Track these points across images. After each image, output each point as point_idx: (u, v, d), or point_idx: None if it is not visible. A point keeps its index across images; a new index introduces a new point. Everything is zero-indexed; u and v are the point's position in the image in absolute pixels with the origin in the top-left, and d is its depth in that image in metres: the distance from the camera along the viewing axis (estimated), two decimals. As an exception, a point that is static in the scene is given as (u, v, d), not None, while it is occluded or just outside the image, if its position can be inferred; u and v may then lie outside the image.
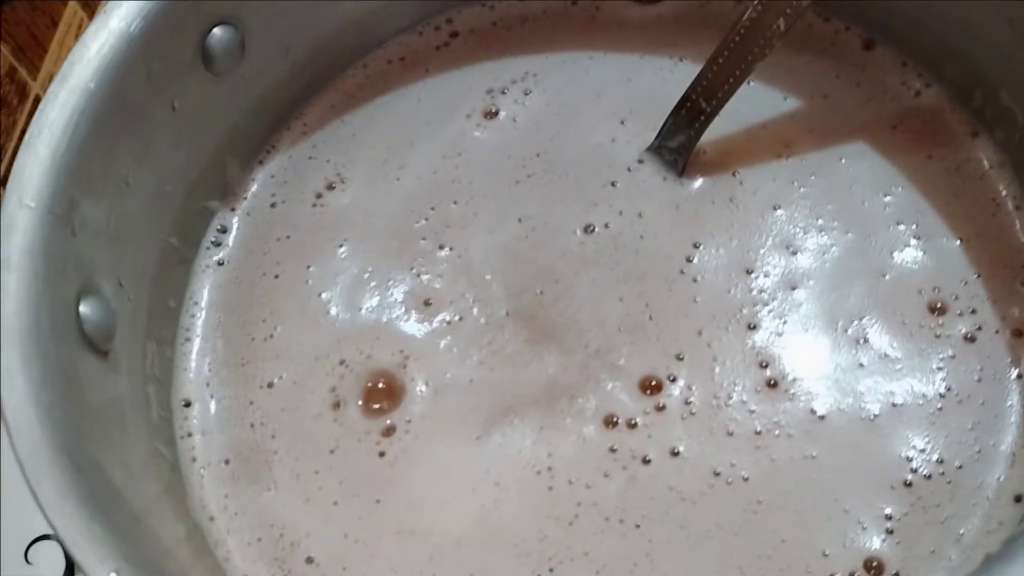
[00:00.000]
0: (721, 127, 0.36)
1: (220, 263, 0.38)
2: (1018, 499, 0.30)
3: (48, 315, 0.29)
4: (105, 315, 0.32)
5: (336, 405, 0.35)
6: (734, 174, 0.36)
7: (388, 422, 0.34)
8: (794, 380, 0.32)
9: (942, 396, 0.31)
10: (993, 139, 0.35)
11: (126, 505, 0.27)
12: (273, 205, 0.39)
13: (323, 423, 0.34)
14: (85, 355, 0.30)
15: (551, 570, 0.31)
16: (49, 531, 0.38)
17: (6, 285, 0.28)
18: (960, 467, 0.30)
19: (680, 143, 0.36)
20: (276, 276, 0.37)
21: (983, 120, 0.35)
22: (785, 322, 0.33)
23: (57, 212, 0.30)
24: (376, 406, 0.34)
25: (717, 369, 0.33)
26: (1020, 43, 0.32)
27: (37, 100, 0.47)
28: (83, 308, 0.31)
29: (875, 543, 0.30)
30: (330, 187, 0.39)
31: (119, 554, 0.24)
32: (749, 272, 0.34)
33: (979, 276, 0.33)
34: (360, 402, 0.35)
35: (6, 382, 0.27)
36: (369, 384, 0.35)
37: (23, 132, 0.46)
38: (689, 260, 0.35)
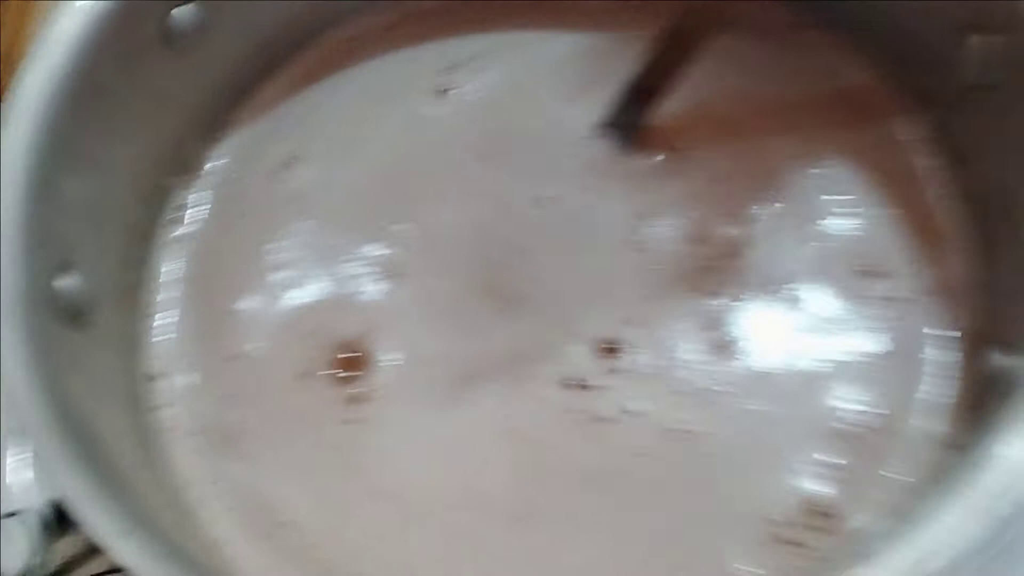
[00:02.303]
0: (667, 105, 0.38)
1: (182, 238, 0.39)
2: (944, 444, 0.32)
3: (30, 291, 0.30)
4: (79, 290, 0.32)
5: (304, 375, 0.36)
6: (680, 150, 0.38)
7: (356, 390, 0.36)
8: (738, 341, 0.35)
9: (872, 352, 0.34)
10: (914, 116, 0.38)
11: (118, 470, 0.28)
12: (232, 182, 0.40)
13: (292, 393, 0.36)
14: (63, 330, 0.31)
15: (522, 528, 0.33)
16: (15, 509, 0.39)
17: (-10, 261, 0.29)
18: (891, 415, 0.33)
19: (629, 120, 0.38)
20: (238, 251, 0.39)
21: (907, 98, 0.38)
22: (728, 287, 0.36)
23: (36, 189, 0.31)
24: (344, 374, 0.36)
25: (666, 333, 0.35)
26: (937, 25, 0.35)
27: None
28: (59, 283, 0.32)
29: (816, 488, 0.32)
30: (289, 164, 0.40)
31: (122, 512, 0.26)
32: (695, 242, 0.37)
33: (902, 242, 0.36)
34: (328, 371, 0.36)
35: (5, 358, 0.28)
36: (337, 354, 0.36)
37: None
38: (639, 231, 0.37)
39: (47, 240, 0.31)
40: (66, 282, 0.32)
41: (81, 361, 0.32)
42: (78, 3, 0.33)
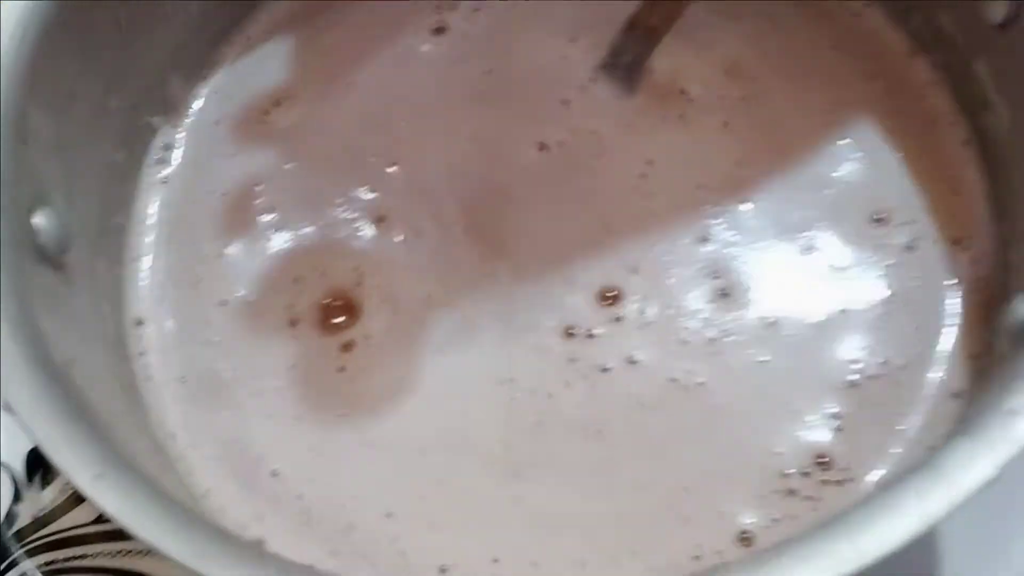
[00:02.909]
0: (670, 45, 0.37)
1: (166, 180, 0.37)
2: (956, 395, 0.31)
3: (6, 226, 0.28)
4: (58, 228, 0.31)
5: (293, 322, 0.35)
6: (684, 92, 0.37)
7: (347, 338, 0.34)
8: (746, 289, 0.33)
9: (886, 302, 0.33)
10: (930, 59, 0.36)
11: (97, 416, 0.27)
12: (218, 122, 0.38)
13: (281, 340, 0.34)
14: (42, 268, 0.30)
15: (515, 476, 0.31)
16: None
17: (-40, 194, 0.28)
18: (903, 367, 0.32)
19: (631, 61, 0.37)
20: (224, 193, 0.37)
21: (921, 41, 0.36)
22: (736, 234, 0.34)
23: (10, 120, 0.29)
24: (334, 321, 0.34)
25: (672, 280, 0.34)
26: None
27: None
28: (36, 219, 0.30)
29: (824, 440, 0.31)
30: (276, 103, 0.38)
31: (100, 457, 0.24)
32: (700, 187, 0.35)
33: (918, 188, 0.34)
34: (317, 318, 0.35)
35: (-29, 294, 0.26)
36: (326, 301, 0.35)
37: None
38: (643, 176, 0.35)
39: (22, 174, 0.29)
40: (43, 219, 0.30)
41: (61, 303, 0.31)
42: (56, -74, 0.31)
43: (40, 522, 0.38)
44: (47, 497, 0.38)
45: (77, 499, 0.38)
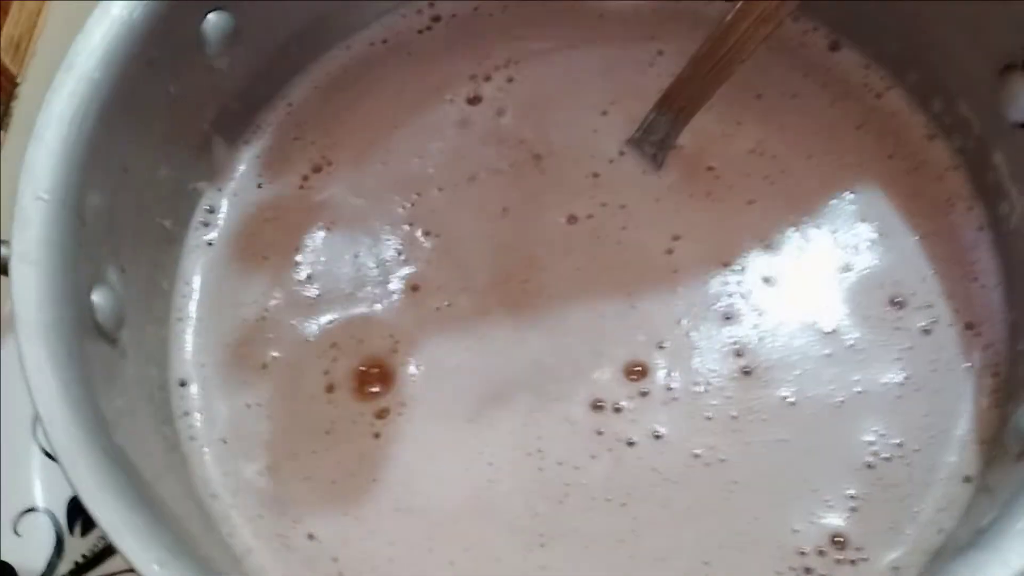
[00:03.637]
0: (697, 123, 0.38)
1: (210, 243, 0.39)
2: (967, 479, 0.33)
3: (66, 307, 0.29)
4: (113, 303, 0.32)
5: (330, 388, 0.36)
6: (711, 169, 0.38)
7: (381, 405, 0.35)
8: (767, 368, 0.35)
9: (901, 384, 0.34)
10: (950, 143, 0.37)
11: (149, 488, 0.28)
12: (260, 186, 0.40)
13: (317, 405, 0.36)
14: (99, 344, 0.31)
15: (542, 545, 0.33)
16: (37, 505, 0.39)
17: (25, 279, 0.29)
18: (917, 450, 0.33)
19: (660, 137, 0.38)
20: (265, 257, 0.38)
21: (941, 125, 0.38)
22: (759, 313, 0.36)
23: (69, 203, 0.30)
24: (369, 389, 0.36)
25: (696, 357, 0.35)
26: (980, 57, 0.35)
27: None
28: (94, 297, 0.31)
29: (840, 520, 0.32)
30: (316, 169, 0.40)
31: (159, 543, 0.26)
32: (726, 265, 0.36)
33: (935, 272, 0.36)
34: (353, 385, 0.36)
35: (35, 377, 0.28)
36: (362, 368, 0.36)
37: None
38: (670, 252, 0.37)
39: (81, 256, 0.31)
40: (100, 296, 0.31)
41: (116, 374, 0.32)
42: (113, 11, 0.32)
43: (81, 567, 0.39)
44: (88, 543, 0.40)
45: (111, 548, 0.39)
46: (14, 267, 0.29)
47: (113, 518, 0.26)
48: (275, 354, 0.37)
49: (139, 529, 0.26)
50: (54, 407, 0.27)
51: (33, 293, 0.29)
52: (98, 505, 0.26)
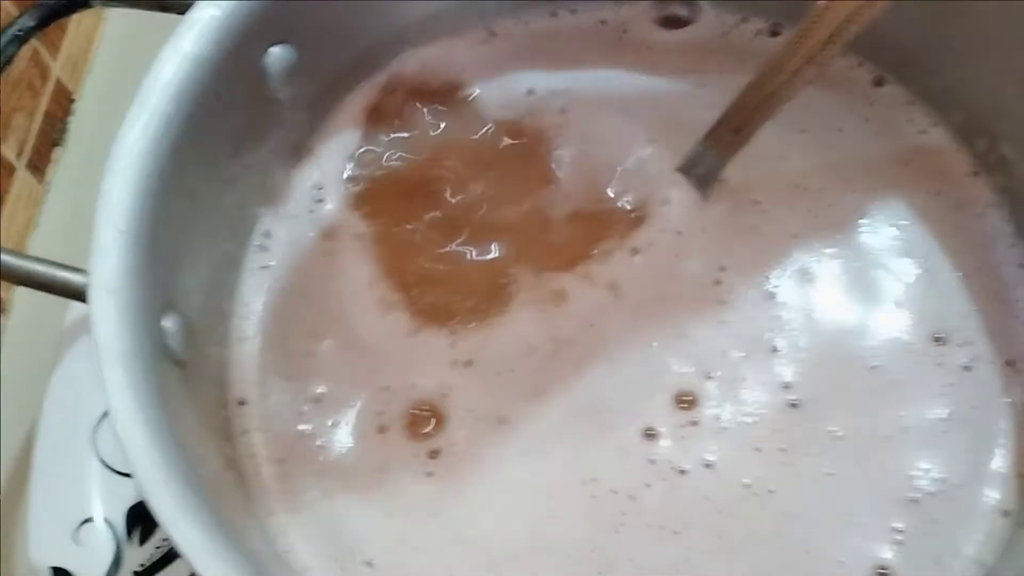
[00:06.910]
0: (742, 156, 0.39)
1: (266, 266, 0.39)
2: (1006, 514, 0.34)
3: (142, 333, 0.30)
4: (182, 327, 0.33)
5: (381, 429, 0.36)
6: (756, 202, 0.39)
7: (434, 446, 0.36)
8: (815, 402, 0.36)
9: (944, 420, 0.35)
10: (992, 181, 0.38)
11: (216, 507, 0.29)
12: (312, 211, 0.40)
13: (370, 444, 0.36)
14: (171, 368, 0.32)
15: (599, 574, 0.34)
16: (96, 515, 0.40)
17: (105, 308, 0.30)
18: (960, 485, 0.34)
19: (707, 169, 0.39)
20: (321, 282, 0.39)
21: (984, 163, 0.38)
22: (804, 347, 0.36)
23: (143, 233, 0.31)
24: (421, 431, 0.36)
25: (744, 389, 0.36)
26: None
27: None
28: (165, 323, 0.32)
29: (886, 553, 0.33)
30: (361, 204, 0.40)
31: (233, 566, 0.27)
32: (771, 297, 0.37)
33: (976, 309, 0.37)
34: (405, 426, 0.36)
35: (117, 403, 0.29)
36: (413, 411, 0.37)
37: (46, 113, 0.47)
38: (718, 283, 0.38)
39: (154, 284, 0.32)
40: (170, 322, 0.32)
41: (179, 392, 0.33)
42: (183, 47, 0.33)
43: (139, 576, 0.40)
44: (145, 552, 0.41)
45: (174, 554, 0.40)
46: (93, 296, 0.30)
47: (193, 542, 0.27)
48: (328, 387, 0.37)
49: (216, 552, 0.27)
50: (135, 432, 0.28)
51: (112, 321, 0.30)
52: (179, 529, 0.27)
